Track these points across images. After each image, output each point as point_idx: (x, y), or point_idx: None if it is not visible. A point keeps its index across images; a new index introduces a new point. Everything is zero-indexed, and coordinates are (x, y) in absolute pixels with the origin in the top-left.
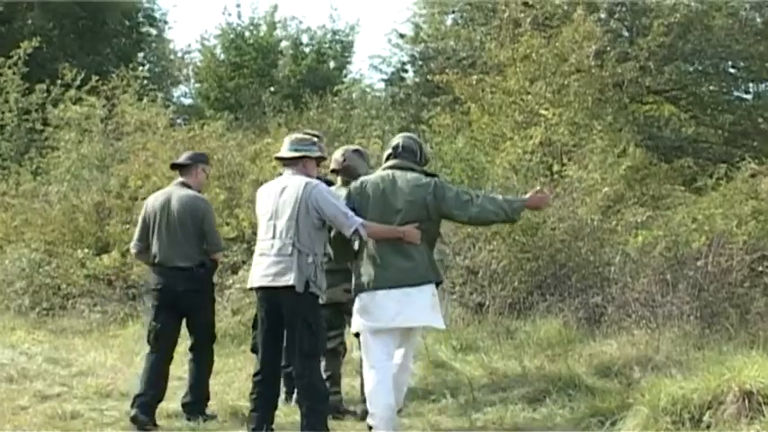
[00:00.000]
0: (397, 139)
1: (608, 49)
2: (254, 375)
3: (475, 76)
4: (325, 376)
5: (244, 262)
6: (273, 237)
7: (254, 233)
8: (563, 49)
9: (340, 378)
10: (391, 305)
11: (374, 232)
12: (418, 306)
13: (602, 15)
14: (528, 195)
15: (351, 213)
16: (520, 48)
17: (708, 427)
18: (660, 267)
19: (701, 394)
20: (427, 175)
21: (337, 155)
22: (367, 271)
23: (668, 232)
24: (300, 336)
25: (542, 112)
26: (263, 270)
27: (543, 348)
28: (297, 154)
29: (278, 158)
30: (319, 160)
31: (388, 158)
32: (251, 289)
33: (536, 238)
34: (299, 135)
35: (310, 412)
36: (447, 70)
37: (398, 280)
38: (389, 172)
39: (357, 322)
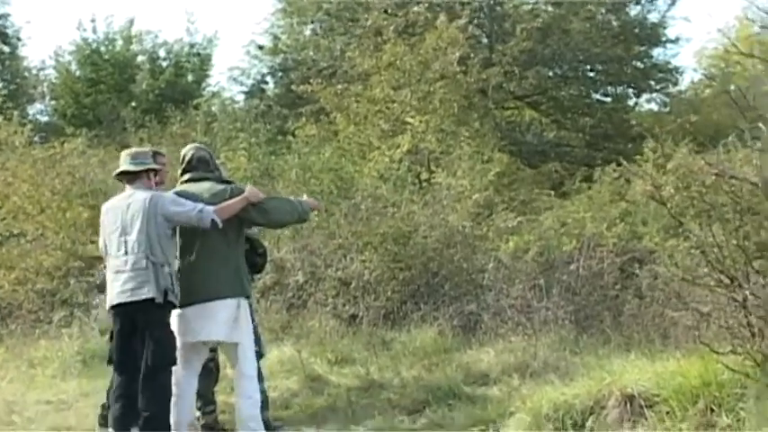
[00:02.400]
0: (189, 151)
1: (471, 55)
2: (114, 392)
3: (339, 86)
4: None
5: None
6: (126, 252)
7: None
8: (427, 56)
9: (213, 396)
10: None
11: (224, 212)
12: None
13: (463, 21)
14: (305, 198)
15: (199, 207)
16: (384, 56)
17: (591, 431)
18: (533, 273)
19: (583, 399)
20: (222, 182)
21: None
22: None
23: (539, 237)
24: (149, 348)
25: (409, 120)
26: (119, 287)
27: (420, 358)
28: (140, 168)
29: (122, 173)
30: (155, 172)
31: (183, 173)
32: (111, 308)
33: (408, 247)
34: (137, 149)
35: (150, 423)
36: (310, 80)
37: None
38: (186, 185)
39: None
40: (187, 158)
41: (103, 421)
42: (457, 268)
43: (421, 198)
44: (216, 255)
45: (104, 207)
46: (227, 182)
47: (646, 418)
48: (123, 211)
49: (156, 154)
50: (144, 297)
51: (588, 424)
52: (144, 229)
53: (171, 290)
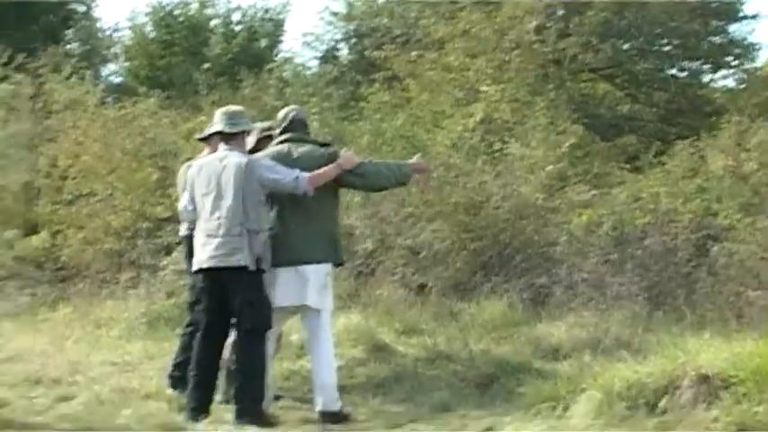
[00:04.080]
0: (290, 112)
1: (548, 24)
2: (196, 356)
3: (414, 53)
4: None
5: (178, 243)
6: (220, 217)
7: None
8: (503, 25)
9: None
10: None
11: (318, 180)
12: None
13: None
14: (411, 160)
15: (294, 174)
16: (459, 23)
17: (663, 412)
18: (606, 247)
19: (656, 378)
20: (321, 145)
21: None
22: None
23: (612, 211)
24: (243, 313)
25: (483, 88)
26: (211, 251)
27: (488, 330)
28: (236, 129)
29: (218, 133)
30: (249, 133)
31: (281, 132)
32: (198, 271)
33: (479, 218)
34: (234, 108)
35: (245, 389)
36: (384, 47)
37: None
38: (285, 146)
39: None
40: (288, 118)
41: (175, 383)
42: (528, 240)
43: (493, 168)
44: (311, 219)
45: (195, 165)
46: (325, 144)
47: (721, 400)
48: (218, 173)
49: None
50: (236, 264)
51: (661, 404)
52: (239, 195)
53: (263, 257)
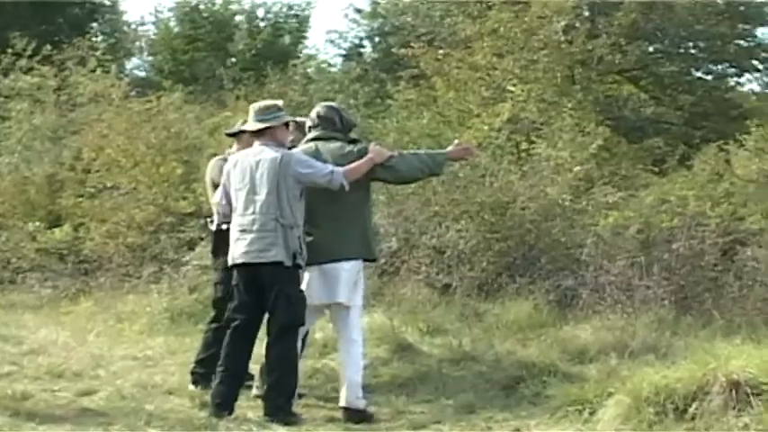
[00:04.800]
0: (316, 109)
1: (576, 24)
2: (223, 353)
3: (441, 51)
4: None
5: (201, 238)
6: (254, 212)
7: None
8: (532, 24)
9: None
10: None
11: (352, 174)
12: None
13: None
14: (450, 148)
15: (329, 168)
16: (488, 22)
17: (693, 418)
18: (633, 250)
19: (686, 384)
20: (350, 141)
21: None
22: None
23: (640, 213)
24: (278, 308)
25: (510, 88)
26: (245, 246)
27: (514, 332)
28: (261, 125)
29: (246, 131)
30: (288, 125)
31: (310, 129)
32: (233, 266)
33: (505, 218)
34: (264, 103)
35: (277, 384)
36: (412, 44)
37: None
38: (312, 144)
39: None
40: (315, 116)
41: (197, 379)
42: (554, 242)
43: (519, 168)
44: (344, 215)
45: (231, 159)
46: (354, 140)
47: (752, 407)
48: (252, 168)
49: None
50: (272, 260)
51: (691, 410)
52: (274, 189)
53: (299, 252)
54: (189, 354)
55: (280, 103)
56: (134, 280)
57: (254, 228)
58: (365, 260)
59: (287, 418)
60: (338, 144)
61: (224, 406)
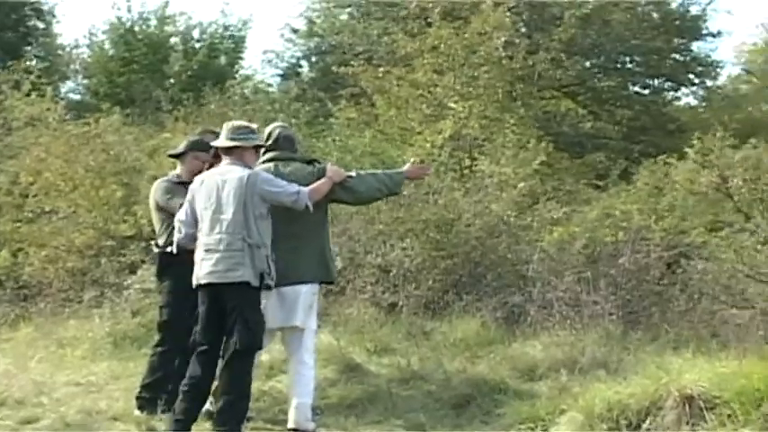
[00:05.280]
0: (274, 130)
1: (516, 41)
2: (188, 373)
3: (381, 68)
4: None
5: (143, 261)
6: (221, 231)
7: (153, 231)
8: (472, 40)
9: None
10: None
11: (315, 195)
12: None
13: (512, 4)
14: (406, 167)
15: (295, 188)
16: (428, 39)
17: None
18: (579, 265)
19: (639, 399)
20: (308, 162)
21: None
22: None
23: (585, 228)
24: (236, 331)
25: (451, 104)
26: (210, 266)
27: (462, 350)
28: (232, 144)
29: (216, 147)
30: (258, 148)
31: (267, 150)
32: (197, 287)
33: (450, 235)
34: (238, 123)
35: (229, 408)
36: (353, 62)
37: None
38: (271, 164)
39: None
40: (273, 137)
41: (143, 405)
42: (500, 258)
43: (463, 185)
44: (302, 237)
45: (197, 180)
46: (312, 161)
47: (706, 421)
48: (218, 187)
49: (210, 133)
50: (238, 280)
51: (644, 425)
52: (240, 209)
53: (267, 272)
54: (133, 379)
55: (254, 126)
56: (75, 305)
57: (221, 247)
58: (324, 282)
59: None
60: (298, 165)
61: (183, 424)
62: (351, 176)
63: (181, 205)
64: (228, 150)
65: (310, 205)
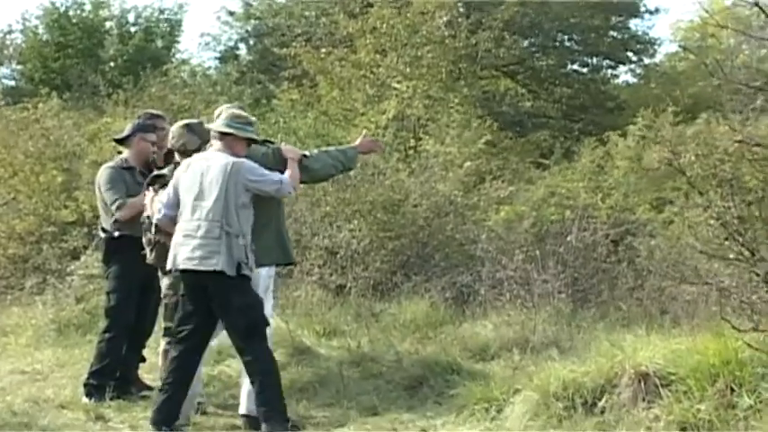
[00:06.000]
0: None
1: (459, 20)
2: (168, 362)
3: (323, 50)
4: None
5: (85, 247)
6: (200, 218)
7: (96, 216)
8: (414, 20)
9: None
10: None
11: (295, 181)
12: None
13: None
14: (357, 142)
15: (277, 177)
16: (369, 19)
17: (602, 411)
18: (527, 244)
19: (594, 377)
20: (262, 143)
21: (170, 133)
22: None
23: (531, 207)
24: (231, 318)
25: (395, 85)
26: (187, 252)
27: (412, 331)
28: (227, 129)
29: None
30: (250, 142)
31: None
32: (173, 271)
33: (397, 216)
34: (237, 111)
35: (262, 388)
36: (293, 44)
37: None
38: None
39: None
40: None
41: (91, 392)
42: (448, 238)
43: (408, 166)
44: (259, 221)
45: (184, 163)
46: (265, 141)
47: (662, 398)
48: (203, 173)
49: (156, 117)
50: (213, 268)
51: (600, 403)
52: (222, 196)
53: (245, 262)
54: (79, 366)
55: (253, 118)
56: (17, 292)
57: (198, 234)
58: (285, 264)
59: (282, 422)
60: (252, 146)
61: (166, 420)
62: (305, 156)
63: (117, 199)
64: (222, 136)
65: (293, 193)
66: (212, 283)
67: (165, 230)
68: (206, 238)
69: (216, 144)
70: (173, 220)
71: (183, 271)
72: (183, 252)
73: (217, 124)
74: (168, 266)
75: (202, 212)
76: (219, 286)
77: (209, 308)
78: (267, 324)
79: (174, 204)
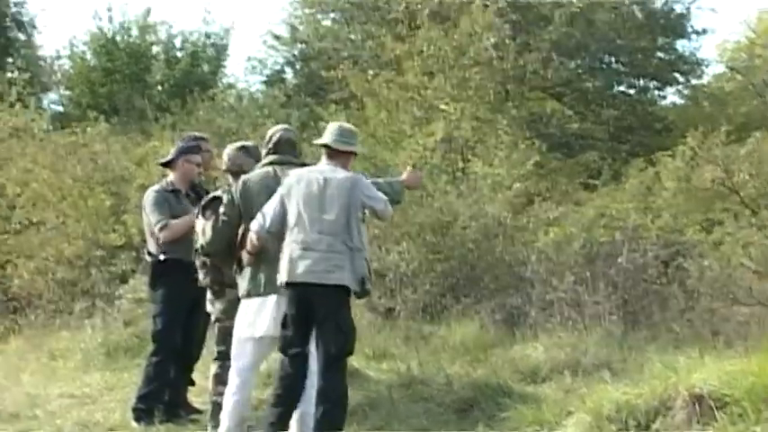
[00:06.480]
0: (276, 132)
1: (506, 41)
2: (280, 377)
3: (371, 72)
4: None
5: (133, 271)
6: (321, 232)
7: (144, 240)
8: (462, 41)
9: None
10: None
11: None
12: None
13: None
14: (404, 176)
15: (384, 198)
16: (417, 41)
17: None
18: (576, 265)
19: (647, 399)
20: (301, 166)
21: (224, 155)
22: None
23: (580, 228)
24: (327, 336)
25: (443, 106)
26: (309, 265)
27: (461, 354)
28: (343, 147)
29: (324, 146)
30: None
31: (267, 154)
32: (288, 284)
33: (446, 238)
34: (348, 127)
35: (325, 416)
36: (341, 66)
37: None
38: (270, 168)
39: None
40: (274, 140)
41: (140, 416)
42: (497, 260)
43: (457, 187)
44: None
45: (294, 174)
46: (304, 165)
47: (716, 420)
48: (320, 186)
49: (199, 139)
50: (336, 282)
51: (654, 426)
52: (345, 211)
53: (368, 277)
54: (128, 390)
55: (356, 130)
56: (66, 316)
57: (321, 247)
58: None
59: None
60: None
61: (276, 427)
62: None
63: (161, 220)
64: (335, 152)
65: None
66: (324, 298)
67: (253, 244)
68: (329, 252)
69: (326, 160)
70: (276, 235)
71: (299, 284)
72: (302, 265)
73: (330, 140)
74: (282, 279)
75: (324, 226)
76: (334, 301)
77: (310, 325)
78: (351, 353)
79: (281, 216)
